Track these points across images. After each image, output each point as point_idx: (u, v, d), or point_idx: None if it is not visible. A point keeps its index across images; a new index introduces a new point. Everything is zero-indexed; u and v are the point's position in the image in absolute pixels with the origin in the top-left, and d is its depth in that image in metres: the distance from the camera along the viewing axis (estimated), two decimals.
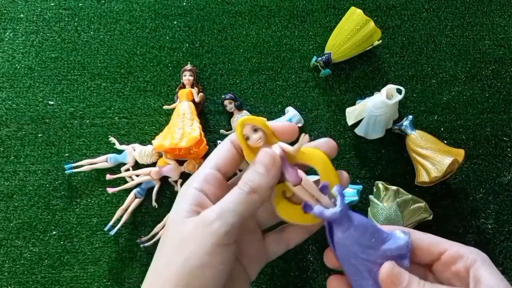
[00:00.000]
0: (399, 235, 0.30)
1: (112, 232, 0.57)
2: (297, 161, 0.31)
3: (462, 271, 0.29)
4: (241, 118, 0.32)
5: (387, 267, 0.29)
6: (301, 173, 0.31)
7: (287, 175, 0.31)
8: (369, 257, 0.29)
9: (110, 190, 0.57)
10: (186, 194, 0.30)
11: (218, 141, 0.60)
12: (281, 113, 0.62)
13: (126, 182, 0.59)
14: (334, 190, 0.30)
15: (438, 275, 0.31)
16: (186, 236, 0.28)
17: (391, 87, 0.57)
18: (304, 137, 0.31)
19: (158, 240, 0.57)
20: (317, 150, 0.32)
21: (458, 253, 0.29)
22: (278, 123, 0.32)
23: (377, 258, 0.29)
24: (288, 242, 0.33)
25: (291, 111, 0.60)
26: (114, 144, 0.60)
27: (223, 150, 0.32)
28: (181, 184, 0.58)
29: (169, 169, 0.58)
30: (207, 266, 0.27)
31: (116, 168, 0.60)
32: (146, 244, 0.56)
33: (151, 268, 0.30)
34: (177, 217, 0.29)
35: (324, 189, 0.31)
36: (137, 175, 0.58)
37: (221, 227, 0.27)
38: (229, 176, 0.33)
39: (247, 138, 0.32)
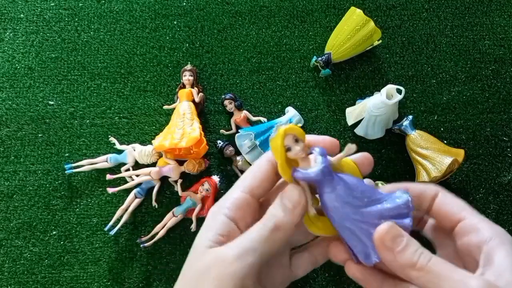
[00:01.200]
0: (398, 194, 0.28)
1: (112, 232, 0.57)
2: (338, 169, 0.30)
3: (473, 245, 0.26)
4: (281, 127, 0.29)
5: (383, 227, 0.26)
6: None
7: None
8: (363, 218, 0.27)
9: (110, 190, 0.57)
10: (215, 221, 0.28)
11: (218, 141, 0.60)
12: (281, 113, 0.62)
13: (126, 182, 0.59)
14: (315, 150, 0.29)
15: (456, 244, 0.28)
16: (205, 271, 0.26)
17: (391, 87, 0.57)
18: (351, 147, 0.29)
19: (158, 240, 0.57)
20: (351, 162, 0.30)
21: (474, 226, 0.27)
22: (319, 138, 0.30)
23: (373, 218, 0.27)
24: (316, 259, 0.31)
25: (291, 111, 0.60)
26: (114, 144, 0.60)
27: (261, 171, 0.29)
28: (181, 184, 0.58)
29: (169, 169, 0.58)
30: None
31: (116, 168, 0.60)
32: (146, 244, 0.56)
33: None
34: (200, 246, 0.28)
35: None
36: (137, 175, 0.58)
37: (241, 269, 0.26)
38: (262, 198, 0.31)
39: (287, 149, 0.29)
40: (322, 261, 0.31)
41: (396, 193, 0.28)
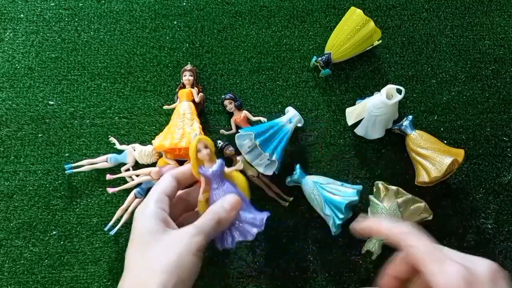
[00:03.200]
0: (257, 216, 0.45)
1: (112, 232, 0.57)
2: (227, 177, 0.47)
3: None
4: (197, 135, 0.46)
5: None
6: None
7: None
8: None
9: (110, 190, 0.57)
10: (151, 211, 0.41)
11: (218, 141, 0.60)
12: (281, 113, 0.62)
13: (126, 182, 0.59)
14: (218, 160, 0.46)
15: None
16: (174, 242, 0.39)
17: (391, 87, 0.57)
18: (239, 165, 0.49)
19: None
20: (244, 179, 0.48)
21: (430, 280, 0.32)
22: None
23: (237, 219, 0.45)
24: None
25: (291, 111, 0.60)
26: (114, 144, 0.60)
27: (166, 185, 0.45)
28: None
29: (169, 169, 0.58)
30: (192, 263, 0.39)
31: (116, 168, 0.60)
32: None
33: (135, 262, 0.39)
34: (154, 229, 0.40)
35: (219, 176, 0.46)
36: (137, 175, 0.58)
37: (202, 241, 0.40)
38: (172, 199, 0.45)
39: (198, 151, 0.45)
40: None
41: (263, 213, 0.45)
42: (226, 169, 0.47)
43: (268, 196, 0.59)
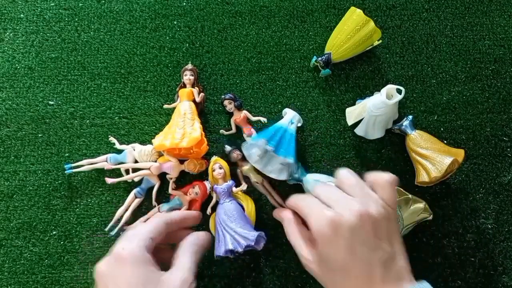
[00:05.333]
0: (252, 232, 0.51)
1: (113, 233, 0.57)
2: (236, 197, 0.57)
3: None
4: (214, 157, 0.58)
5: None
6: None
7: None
8: (227, 226, 0.52)
9: (109, 180, 0.57)
10: (139, 257, 0.42)
11: (226, 146, 0.59)
12: (281, 113, 0.62)
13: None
14: (230, 180, 0.57)
15: None
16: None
17: (391, 87, 0.57)
18: (244, 186, 0.57)
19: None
20: (250, 200, 0.58)
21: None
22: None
23: (231, 229, 0.52)
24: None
25: (289, 113, 0.60)
26: (114, 144, 0.60)
27: (158, 229, 0.47)
28: (174, 183, 0.59)
29: (170, 166, 0.58)
30: None
31: (118, 171, 0.59)
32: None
33: None
34: (145, 277, 0.40)
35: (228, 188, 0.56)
36: (137, 169, 0.58)
37: (194, 282, 0.44)
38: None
39: (213, 170, 0.57)
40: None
41: (260, 233, 0.52)
42: (234, 189, 0.56)
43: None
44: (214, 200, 0.56)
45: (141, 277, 0.39)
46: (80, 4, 0.66)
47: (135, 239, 0.42)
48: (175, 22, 0.66)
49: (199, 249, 0.48)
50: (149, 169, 0.57)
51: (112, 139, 0.60)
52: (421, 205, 0.55)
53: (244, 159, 0.58)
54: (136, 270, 0.39)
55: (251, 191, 0.59)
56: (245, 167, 0.58)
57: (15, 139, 0.61)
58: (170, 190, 0.58)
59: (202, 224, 0.57)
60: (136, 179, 0.59)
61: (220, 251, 0.51)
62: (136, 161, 0.59)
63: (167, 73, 0.64)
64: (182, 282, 0.40)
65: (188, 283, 0.41)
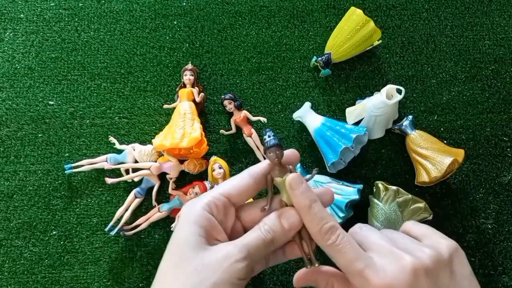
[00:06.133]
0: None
1: (113, 233, 0.57)
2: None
3: None
4: (214, 157, 0.58)
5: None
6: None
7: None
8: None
9: (109, 180, 0.57)
10: (195, 215, 0.32)
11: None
12: (281, 113, 0.62)
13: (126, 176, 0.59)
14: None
15: None
16: (210, 267, 0.31)
17: (391, 87, 0.57)
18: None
19: (157, 240, 0.57)
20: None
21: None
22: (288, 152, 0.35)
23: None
24: (286, 256, 0.37)
25: (309, 112, 0.61)
26: (114, 144, 0.60)
27: (242, 183, 0.34)
28: (174, 182, 0.59)
29: (170, 166, 0.58)
30: None
31: (118, 171, 0.59)
32: (126, 233, 0.57)
33: (165, 282, 0.31)
34: (192, 241, 0.31)
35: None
36: (137, 169, 0.58)
37: (246, 267, 0.31)
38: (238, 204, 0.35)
39: (213, 170, 0.57)
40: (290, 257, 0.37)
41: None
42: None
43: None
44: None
45: (187, 240, 0.32)
46: (80, 4, 0.66)
47: (200, 197, 0.34)
48: (175, 22, 0.66)
49: (279, 231, 0.33)
50: (149, 169, 0.57)
51: (112, 139, 0.60)
52: (421, 205, 0.55)
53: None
54: (186, 230, 0.32)
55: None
56: (278, 178, 0.35)
57: (15, 139, 0.61)
58: (170, 190, 0.58)
59: None
60: (136, 179, 0.59)
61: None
62: (136, 161, 0.60)
63: (167, 73, 0.64)
64: (226, 258, 0.31)
65: (231, 262, 0.31)
